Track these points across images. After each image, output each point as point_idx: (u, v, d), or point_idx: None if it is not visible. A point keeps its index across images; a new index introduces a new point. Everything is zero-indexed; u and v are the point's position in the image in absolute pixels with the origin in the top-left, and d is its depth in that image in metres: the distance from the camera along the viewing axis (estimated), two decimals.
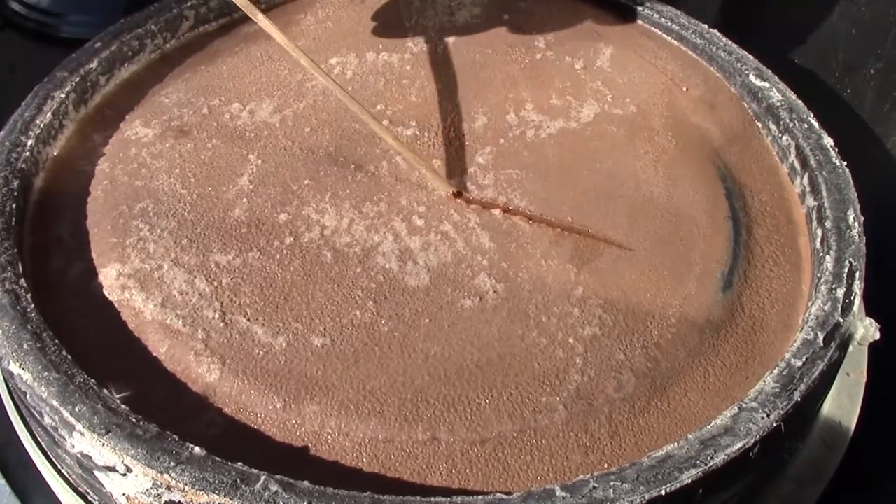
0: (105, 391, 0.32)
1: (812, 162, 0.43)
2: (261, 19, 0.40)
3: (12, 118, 0.43)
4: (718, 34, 0.53)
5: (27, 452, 0.37)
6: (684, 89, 0.50)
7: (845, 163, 0.43)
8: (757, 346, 0.37)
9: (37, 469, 0.36)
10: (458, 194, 0.41)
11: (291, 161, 0.43)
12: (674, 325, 0.37)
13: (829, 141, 0.44)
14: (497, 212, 0.41)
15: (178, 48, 0.51)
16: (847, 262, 0.38)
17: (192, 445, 0.30)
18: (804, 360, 0.34)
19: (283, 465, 0.30)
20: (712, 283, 0.39)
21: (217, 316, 0.36)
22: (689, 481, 0.29)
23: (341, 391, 0.33)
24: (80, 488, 0.34)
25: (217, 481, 0.29)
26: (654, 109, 0.48)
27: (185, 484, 0.28)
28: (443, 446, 0.32)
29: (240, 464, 0.29)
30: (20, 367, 0.32)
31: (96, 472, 0.31)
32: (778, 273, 0.40)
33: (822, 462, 0.38)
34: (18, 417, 0.37)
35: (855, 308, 0.36)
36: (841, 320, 0.35)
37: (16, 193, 0.39)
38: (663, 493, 0.29)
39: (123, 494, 0.30)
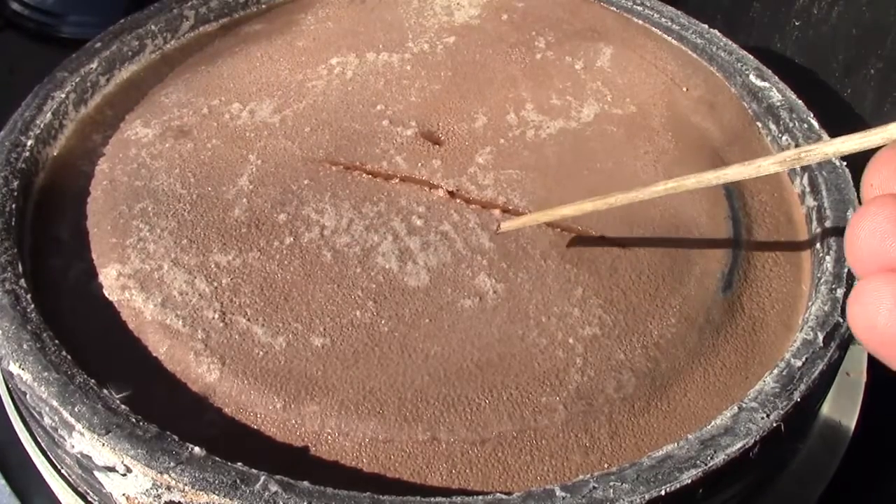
0: (105, 391, 0.32)
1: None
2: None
3: (12, 118, 0.43)
4: (718, 34, 0.53)
5: (27, 452, 0.37)
6: (684, 89, 0.50)
7: (845, 163, 0.43)
8: (757, 346, 0.37)
9: (37, 469, 0.36)
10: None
11: (291, 161, 0.43)
12: (674, 325, 0.37)
13: None
14: (497, 212, 0.41)
15: (178, 48, 0.51)
16: (847, 262, 0.38)
17: (192, 445, 0.30)
18: (804, 360, 0.34)
19: (283, 465, 0.30)
20: (712, 283, 0.39)
21: (217, 316, 0.36)
22: (689, 481, 0.29)
23: (341, 391, 0.33)
24: (80, 488, 0.34)
25: (217, 481, 0.29)
26: (654, 109, 0.48)
27: (185, 484, 0.29)
28: (443, 446, 0.32)
29: (240, 464, 0.29)
30: (20, 367, 0.32)
31: (96, 473, 0.31)
32: (778, 273, 0.40)
33: (822, 462, 0.38)
34: (18, 418, 0.37)
35: None
36: (841, 320, 0.35)
37: (16, 193, 0.39)
38: (663, 493, 0.29)
39: (123, 495, 0.30)
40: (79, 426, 0.30)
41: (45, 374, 0.32)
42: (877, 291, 0.18)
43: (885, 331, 0.18)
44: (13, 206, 0.39)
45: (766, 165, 0.24)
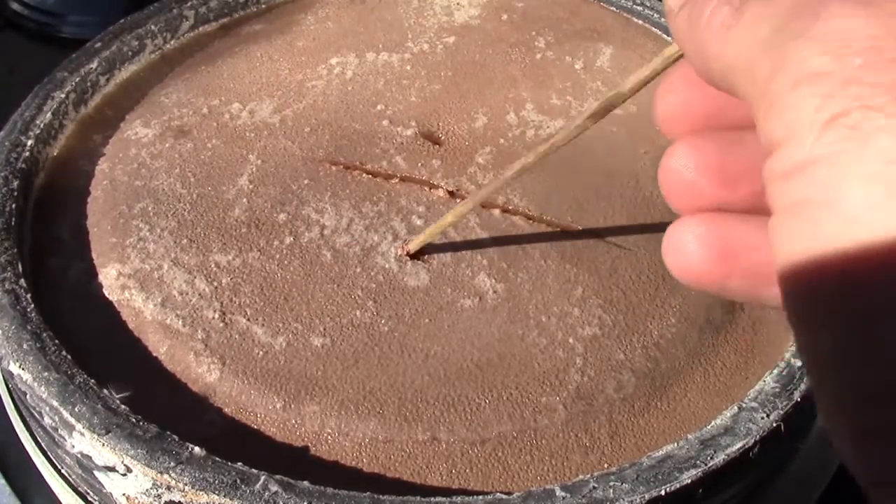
0: (105, 391, 0.32)
1: None
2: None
3: (12, 118, 0.43)
4: None
5: (27, 452, 0.37)
6: None
7: None
8: (757, 346, 0.37)
9: (37, 469, 0.36)
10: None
11: (291, 161, 0.43)
12: (674, 325, 0.37)
13: None
14: (496, 211, 0.41)
15: (178, 48, 0.51)
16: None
17: (192, 445, 0.30)
18: None
19: (283, 465, 0.30)
20: None
21: (217, 316, 0.36)
22: (689, 481, 0.29)
23: (341, 391, 0.33)
24: (80, 488, 0.34)
25: (217, 481, 0.29)
26: (654, 109, 0.48)
27: (185, 484, 0.29)
28: (443, 446, 0.32)
29: (240, 464, 0.29)
30: (20, 367, 0.32)
31: (96, 473, 0.31)
32: None
33: (821, 462, 0.38)
34: (18, 418, 0.37)
35: None
36: None
37: (16, 193, 0.39)
38: (663, 493, 0.29)
39: (123, 494, 0.30)
40: (79, 426, 0.30)
41: (45, 374, 0.32)
42: (681, 232, 0.19)
43: (691, 267, 0.19)
44: (13, 205, 0.39)
45: (580, 122, 0.28)
